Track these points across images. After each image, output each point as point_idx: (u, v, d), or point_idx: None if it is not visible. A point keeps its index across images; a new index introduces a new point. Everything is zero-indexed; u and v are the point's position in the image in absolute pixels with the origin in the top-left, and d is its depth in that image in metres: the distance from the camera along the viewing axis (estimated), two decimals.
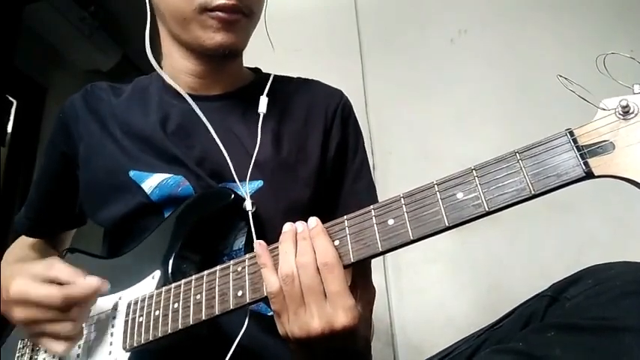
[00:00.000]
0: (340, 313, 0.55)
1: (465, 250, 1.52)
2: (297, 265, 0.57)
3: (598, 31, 1.62)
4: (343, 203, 0.90)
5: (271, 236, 0.64)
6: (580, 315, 0.52)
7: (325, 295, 0.56)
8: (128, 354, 0.70)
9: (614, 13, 1.63)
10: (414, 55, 1.77)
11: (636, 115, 0.47)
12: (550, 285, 0.62)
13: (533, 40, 1.67)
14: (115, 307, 0.75)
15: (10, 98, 2.64)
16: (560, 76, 0.53)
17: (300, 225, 0.60)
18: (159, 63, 0.91)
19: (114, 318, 0.74)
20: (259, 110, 0.85)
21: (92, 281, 0.69)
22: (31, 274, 0.70)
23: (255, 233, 0.73)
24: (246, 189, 0.77)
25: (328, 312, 0.56)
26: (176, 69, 0.89)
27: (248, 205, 0.75)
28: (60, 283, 0.69)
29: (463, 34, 1.75)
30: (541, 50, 1.64)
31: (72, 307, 0.68)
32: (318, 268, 0.57)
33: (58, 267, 0.70)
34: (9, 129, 2.64)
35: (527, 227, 1.50)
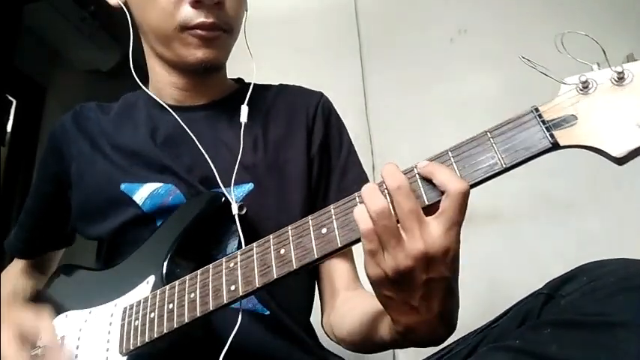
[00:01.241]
0: (449, 233, 0.54)
1: (464, 250, 1.51)
2: (390, 193, 0.54)
3: (598, 30, 1.60)
4: (334, 200, 0.92)
5: (264, 237, 0.64)
6: (575, 311, 0.52)
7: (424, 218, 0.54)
8: (125, 357, 0.70)
9: (614, 13, 1.64)
10: (413, 54, 1.77)
11: (595, 89, 0.52)
12: (545, 283, 0.63)
13: (533, 40, 1.67)
14: (110, 315, 0.75)
15: (10, 98, 2.65)
16: (523, 57, 0.59)
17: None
18: (147, 75, 0.93)
19: (110, 324, 0.74)
20: (241, 119, 0.87)
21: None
22: (16, 327, 0.73)
23: (248, 235, 0.73)
24: (231, 192, 0.78)
25: (433, 232, 0.53)
26: (161, 82, 0.92)
27: (234, 209, 0.76)
28: None
29: (463, 34, 1.75)
30: (541, 50, 1.64)
31: None
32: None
33: (45, 334, 0.73)
34: (9, 128, 2.64)
35: (527, 227, 1.49)
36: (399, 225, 0.54)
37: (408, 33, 1.81)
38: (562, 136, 0.52)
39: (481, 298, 1.46)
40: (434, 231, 0.53)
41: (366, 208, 0.54)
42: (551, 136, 0.52)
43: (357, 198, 0.58)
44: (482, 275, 1.49)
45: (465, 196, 0.53)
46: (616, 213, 1.44)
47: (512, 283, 1.43)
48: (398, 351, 1.48)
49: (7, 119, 2.62)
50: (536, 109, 0.54)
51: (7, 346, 0.69)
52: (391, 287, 0.56)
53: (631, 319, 0.46)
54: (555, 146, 0.52)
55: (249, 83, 0.95)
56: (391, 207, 0.54)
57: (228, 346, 0.66)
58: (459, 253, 0.57)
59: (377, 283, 0.57)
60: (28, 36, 2.59)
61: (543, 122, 0.53)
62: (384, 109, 1.74)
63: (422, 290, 0.56)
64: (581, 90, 0.53)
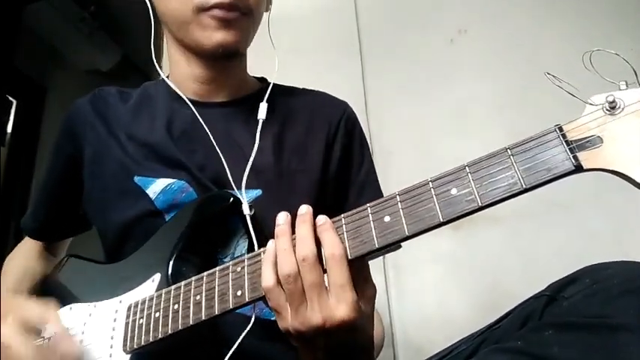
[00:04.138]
0: (342, 307, 0.55)
1: (465, 250, 1.52)
2: (298, 261, 0.56)
3: (598, 30, 1.62)
4: None
5: None
6: (577, 314, 0.52)
7: (327, 289, 0.56)
8: (129, 356, 0.70)
9: (614, 12, 1.64)
10: (414, 55, 1.77)
11: (622, 110, 0.49)
12: (548, 285, 0.63)
13: (534, 40, 1.68)
14: (115, 311, 0.75)
15: (10, 98, 2.65)
16: (548, 73, 0.55)
17: (304, 207, 0.60)
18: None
19: (114, 321, 0.74)
20: (259, 117, 0.85)
21: (73, 351, 0.70)
22: (21, 318, 0.70)
23: (257, 240, 0.73)
24: (242, 194, 0.77)
25: (330, 305, 0.55)
26: (181, 75, 0.90)
27: (245, 209, 0.75)
28: None
29: (463, 34, 1.75)
30: (541, 50, 1.65)
31: None
32: (320, 261, 0.57)
33: (52, 324, 0.71)
34: (9, 129, 2.64)
35: (528, 227, 1.50)
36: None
37: (408, 33, 1.81)
38: (586, 159, 0.49)
39: (481, 299, 1.47)
40: (331, 304, 0.55)
41: (272, 267, 0.58)
42: (575, 158, 0.49)
43: (368, 209, 0.58)
44: (483, 276, 1.49)
45: (337, 261, 0.56)
46: (617, 213, 1.45)
47: (513, 284, 1.44)
48: (398, 351, 1.49)
49: (7, 119, 2.62)
50: (560, 128, 0.51)
51: (11, 336, 0.68)
52: (295, 341, 0.59)
53: (633, 321, 0.47)
54: (578, 169, 0.49)
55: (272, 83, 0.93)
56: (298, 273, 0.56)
57: (232, 352, 0.66)
58: (356, 323, 0.57)
59: (285, 334, 0.60)
60: (28, 36, 2.59)
61: (567, 143, 0.50)
62: (384, 109, 1.74)
63: (323, 351, 0.59)
64: (607, 110, 0.50)
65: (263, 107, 0.86)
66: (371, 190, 0.94)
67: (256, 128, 0.85)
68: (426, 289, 1.53)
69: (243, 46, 0.88)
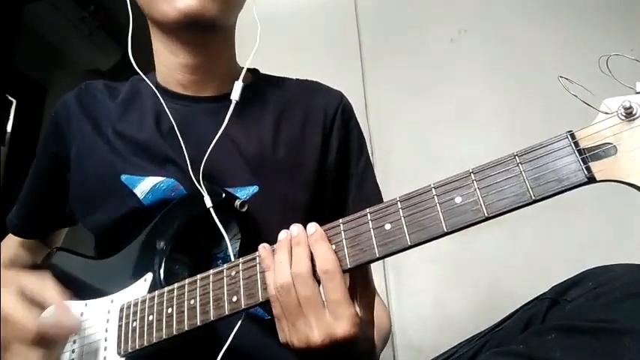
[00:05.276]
0: (341, 323, 0.54)
1: (465, 250, 1.52)
2: (292, 275, 0.56)
3: (598, 30, 1.61)
4: (354, 209, 0.91)
5: (268, 241, 0.62)
6: (580, 317, 0.52)
7: (324, 304, 0.55)
8: (123, 359, 0.69)
9: (614, 12, 1.63)
10: (413, 54, 1.77)
11: (639, 117, 0.46)
12: (550, 287, 0.62)
13: (533, 40, 1.67)
14: (107, 311, 0.74)
15: (10, 98, 2.65)
16: (562, 77, 0.52)
17: (295, 229, 0.59)
18: (153, 62, 0.91)
19: (107, 322, 0.73)
20: (232, 96, 0.81)
21: (73, 322, 0.66)
22: (19, 288, 0.68)
23: (250, 237, 0.72)
24: (202, 188, 0.75)
25: (328, 322, 0.54)
26: (167, 66, 0.88)
27: (207, 202, 0.73)
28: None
29: (463, 34, 1.75)
30: (541, 50, 1.64)
31: (42, 340, 0.65)
32: (314, 276, 0.56)
33: (49, 293, 0.67)
34: (9, 128, 2.64)
35: (528, 227, 1.49)
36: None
37: (408, 33, 1.80)
38: (599, 170, 0.46)
39: (481, 299, 1.46)
40: (329, 320, 0.54)
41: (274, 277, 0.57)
42: (588, 169, 0.46)
43: (368, 215, 0.56)
44: (483, 276, 1.48)
45: (329, 276, 0.55)
46: (617, 213, 1.44)
47: (513, 285, 1.43)
48: (398, 351, 1.48)
49: (7, 119, 2.62)
50: (572, 135, 0.48)
51: (14, 307, 0.65)
52: (296, 355, 0.58)
53: (636, 326, 0.46)
54: (591, 180, 0.46)
55: (264, 74, 0.89)
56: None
57: (227, 349, 0.65)
58: (357, 337, 0.55)
59: (284, 345, 0.59)
60: (28, 36, 2.59)
61: (579, 152, 0.47)
62: (384, 109, 1.73)
63: None
64: (623, 116, 0.46)
65: (238, 86, 0.81)
66: (370, 182, 0.93)
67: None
68: (426, 289, 1.53)
69: (212, 13, 0.79)
